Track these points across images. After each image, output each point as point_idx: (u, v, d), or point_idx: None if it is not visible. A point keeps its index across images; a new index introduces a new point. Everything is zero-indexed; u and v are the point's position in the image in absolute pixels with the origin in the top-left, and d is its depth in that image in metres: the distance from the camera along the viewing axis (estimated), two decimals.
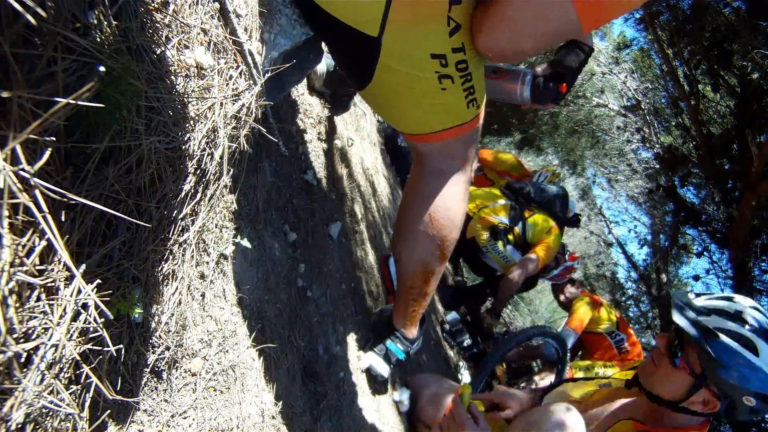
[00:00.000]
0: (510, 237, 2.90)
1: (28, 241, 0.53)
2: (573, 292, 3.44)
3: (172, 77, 0.75)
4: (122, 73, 0.61)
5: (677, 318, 1.11)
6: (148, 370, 0.74)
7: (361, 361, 1.45)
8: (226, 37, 0.86)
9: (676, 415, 1.16)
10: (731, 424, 1.13)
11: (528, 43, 0.90)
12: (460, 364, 2.90)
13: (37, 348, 0.53)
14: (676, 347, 1.14)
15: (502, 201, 2.95)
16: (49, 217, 0.52)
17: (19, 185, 0.49)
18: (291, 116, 1.54)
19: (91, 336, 0.60)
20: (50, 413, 0.55)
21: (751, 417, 1.11)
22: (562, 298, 3.51)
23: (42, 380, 0.53)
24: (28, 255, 0.53)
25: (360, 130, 2.50)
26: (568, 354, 2.54)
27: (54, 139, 0.55)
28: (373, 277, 1.87)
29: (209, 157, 0.82)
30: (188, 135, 0.77)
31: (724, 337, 1.05)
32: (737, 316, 1.09)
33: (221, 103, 0.83)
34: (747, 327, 1.06)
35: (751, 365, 1.03)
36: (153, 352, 0.75)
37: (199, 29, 0.81)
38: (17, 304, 0.52)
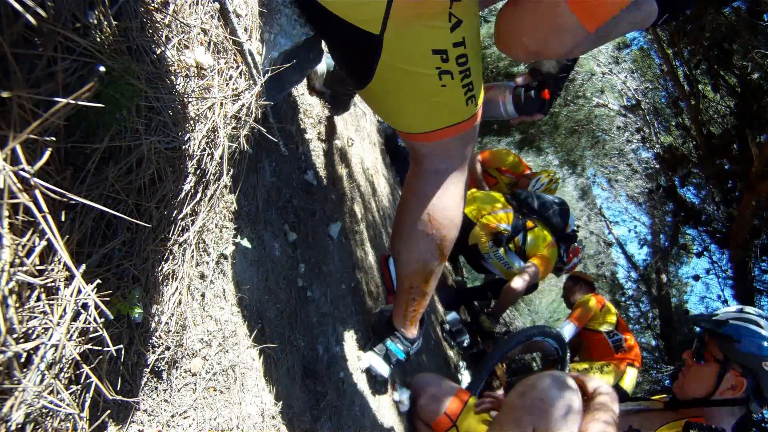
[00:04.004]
0: (511, 245, 2.94)
1: (28, 241, 0.53)
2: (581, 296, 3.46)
3: (172, 77, 0.75)
4: (122, 73, 0.61)
5: (697, 317, 1.46)
6: (148, 370, 0.74)
7: (361, 361, 1.45)
8: (226, 37, 0.86)
9: (711, 413, 1.35)
10: (760, 403, 1.35)
11: (527, 39, 0.90)
12: (460, 364, 2.90)
13: (37, 348, 0.53)
14: (699, 348, 1.38)
15: (504, 207, 2.98)
16: (49, 217, 0.52)
17: (19, 185, 0.49)
18: (291, 116, 1.54)
19: (91, 336, 0.60)
20: (50, 413, 0.55)
21: None
22: (572, 299, 3.53)
23: (42, 380, 0.53)
24: (28, 255, 0.53)
25: (360, 130, 2.50)
26: (568, 353, 2.55)
27: (54, 139, 0.55)
28: (373, 277, 1.87)
29: (209, 157, 0.82)
30: (188, 135, 0.77)
31: (732, 321, 1.33)
32: (740, 311, 1.38)
33: (221, 103, 0.83)
34: (749, 314, 1.35)
35: (759, 335, 1.30)
36: (153, 352, 0.75)
37: (199, 29, 0.81)
38: (17, 304, 0.52)
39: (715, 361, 1.34)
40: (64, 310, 0.56)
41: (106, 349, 0.62)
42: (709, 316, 1.41)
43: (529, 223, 2.98)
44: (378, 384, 1.51)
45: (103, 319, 0.60)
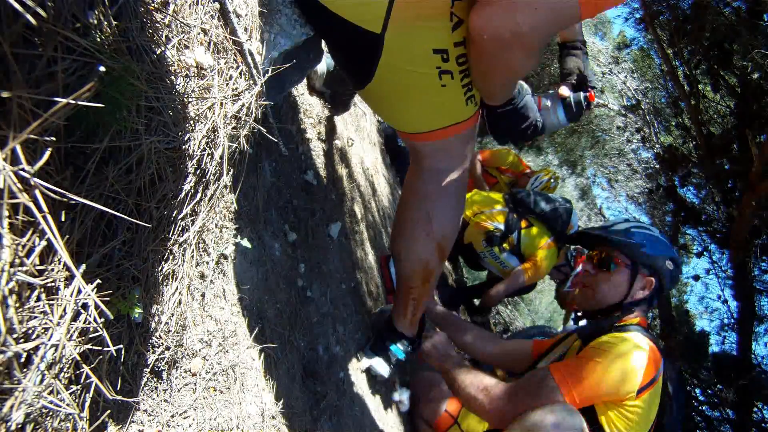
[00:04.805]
0: (505, 245, 2.92)
1: (28, 241, 0.53)
2: None
3: (172, 77, 0.75)
4: (122, 73, 0.61)
5: (600, 233, 1.51)
6: (148, 370, 0.74)
7: (361, 361, 1.45)
8: (226, 37, 0.86)
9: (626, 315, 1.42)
10: (659, 296, 1.46)
11: (522, 16, 0.81)
12: None
13: (37, 348, 0.53)
14: (605, 259, 1.48)
15: (500, 207, 2.96)
16: (49, 217, 0.52)
17: (19, 185, 0.49)
18: (291, 116, 1.54)
19: (91, 336, 0.60)
20: (50, 413, 0.55)
21: (672, 286, 1.47)
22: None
23: (42, 380, 0.53)
24: (28, 255, 0.53)
25: (360, 130, 2.50)
26: None
27: (54, 139, 0.55)
28: (373, 277, 1.87)
29: (209, 157, 0.82)
30: (188, 135, 0.77)
31: (633, 230, 1.48)
32: (627, 221, 1.58)
33: (221, 103, 0.83)
34: (639, 223, 1.55)
35: (657, 238, 1.47)
36: (153, 352, 0.75)
37: (199, 29, 0.81)
38: (17, 304, 0.52)
39: (625, 267, 1.44)
40: (64, 310, 0.56)
41: (106, 349, 0.62)
42: (604, 227, 1.55)
43: (524, 223, 2.95)
44: (378, 384, 1.51)
45: (103, 319, 0.60)
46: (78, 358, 0.58)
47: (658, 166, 5.97)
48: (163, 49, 0.72)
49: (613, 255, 1.47)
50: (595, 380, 1.20)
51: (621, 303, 1.44)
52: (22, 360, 0.52)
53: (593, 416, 1.21)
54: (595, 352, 1.25)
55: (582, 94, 1.40)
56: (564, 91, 1.39)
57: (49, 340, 0.54)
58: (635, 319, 1.38)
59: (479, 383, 1.31)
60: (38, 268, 0.54)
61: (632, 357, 1.21)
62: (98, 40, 0.59)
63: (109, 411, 0.65)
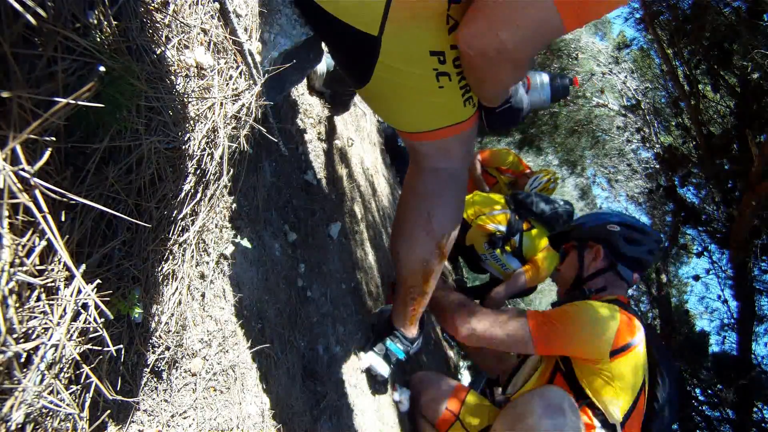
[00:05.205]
0: (507, 247, 2.92)
1: (28, 241, 0.53)
2: None
3: (172, 77, 0.75)
4: (122, 73, 0.61)
5: (559, 235, 1.74)
6: (148, 370, 0.74)
7: (361, 361, 1.45)
8: (226, 37, 0.86)
9: (589, 287, 1.52)
10: (625, 263, 1.50)
11: (505, 34, 0.82)
12: (460, 364, 2.90)
13: (37, 348, 0.53)
14: (562, 252, 1.68)
15: (501, 209, 2.96)
16: (49, 217, 0.52)
17: (19, 185, 0.49)
18: (291, 116, 1.54)
19: (91, 336, 0.60)
20: (50, 413, 0.55)
21: (632, 248, 1.50)
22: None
23: (42, 380, 0.53)
24: (28, 255, 0.53)
25: (360, 130, 2.50)
26: None
27: (54, 139, 0.55)
28: (373, 277, 1.87)
29: (209, 157, 0.82)
30: (188, 135, 0.77)
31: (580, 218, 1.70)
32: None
33: (221, 103, 0.83)
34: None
35: (596, 213, 1.64)
36: (153, 352, 0.75)
37: (199, 29, 0.81)
38: (17, 304, 0.52)
39: (574, 248, 1.60)
40: (64, 310, 0.56)
41: (106, 349, 0.62)
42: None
43: (526, 225, 2.95)
44: (378, 384, 1.51)
45: (103, 319, 0.60)
46: (78, 358, 0.58)
47: (658, 166, 5.96)
48: (163, 49, 0.73)
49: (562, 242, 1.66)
50: (565, 330, 1.32)
51: (580, 278, 1.54)
52: (22, 360, 0.52)
53: (578, 386, 1.25)
54: (569, 307, 1.35)
55: (567, 79, 1.49)
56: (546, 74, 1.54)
57: (49, 340, 0.54)
58: (610, 297, 1.45)
59: (457, 299, 1.51)
60: (38, 268, 0.54)
61: (601, 316, 1.29)
62: (98, 40, 0.59)
63: (109, 411, 0.65)
